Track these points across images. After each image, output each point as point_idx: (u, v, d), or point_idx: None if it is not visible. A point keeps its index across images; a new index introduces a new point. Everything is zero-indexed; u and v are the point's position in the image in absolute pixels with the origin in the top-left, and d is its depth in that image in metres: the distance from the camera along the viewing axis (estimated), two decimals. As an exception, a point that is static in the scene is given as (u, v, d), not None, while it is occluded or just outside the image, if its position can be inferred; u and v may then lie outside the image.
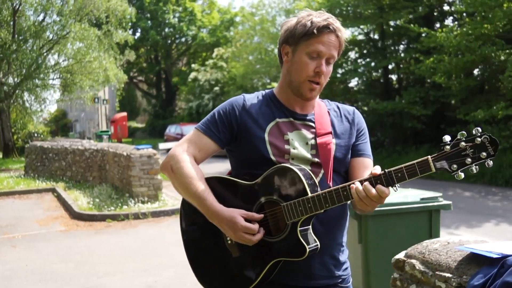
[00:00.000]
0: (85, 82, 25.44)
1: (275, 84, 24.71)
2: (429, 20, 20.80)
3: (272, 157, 2.16)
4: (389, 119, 20.08)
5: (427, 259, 2.77)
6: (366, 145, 2.33)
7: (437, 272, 2.64)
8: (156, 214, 10.90)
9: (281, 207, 2.06)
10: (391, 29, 21.46)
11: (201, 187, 2.14)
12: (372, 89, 22.64)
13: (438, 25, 21.14)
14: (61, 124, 55.32)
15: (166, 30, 48.01)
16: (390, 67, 22.44)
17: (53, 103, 41.31)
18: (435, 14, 21.34)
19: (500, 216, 10.26)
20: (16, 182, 16.05)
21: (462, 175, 1.90)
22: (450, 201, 4.63)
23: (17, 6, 24.36)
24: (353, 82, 24.38)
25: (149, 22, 47.33)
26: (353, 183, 1.96)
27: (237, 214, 2.07)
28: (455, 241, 2.88)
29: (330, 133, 2.23)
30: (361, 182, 1.95)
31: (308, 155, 2.18)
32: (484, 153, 1.83)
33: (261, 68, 30.06)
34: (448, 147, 1.88)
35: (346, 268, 2.32)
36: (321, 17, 2.17)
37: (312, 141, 2.21)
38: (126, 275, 7.00)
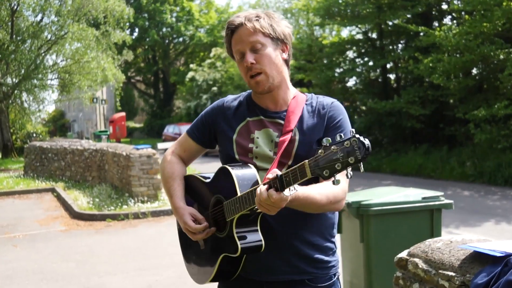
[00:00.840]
0: (83, 82, 25.44)
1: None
2: (428, 18, 20.80)
3: (237, 156, 2.29)
4: (387, 118, 20.08)
5: (430, 257, 2.79)
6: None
7: (440, 271, 2.66)
8: (156, 214, 10.92)
9: (223, 205, 2.16)
10: (389, 28, 21.48)
11: (173, 185, 2.38)
12: (370, 89, 22.64)
13: (436, 23, 21.19)
14: (59, 124, 55.28)
15: (164, 30, 48.00)
16: (388, 66, 22.45)
17: (51, 103, 41.35)
18: (433, 12, 21.35)
19: (499, 215, 10.29)
20: (16, 182, 16.07)
21: (340, 180, 1.73)
22: (450, 200, 4.65)
23: (15, 7, 24.37)
24: (351, 82, 24.39)
25: (147, 22, 47.33)
26: (258, 186, 1.94)
27: (187, 213, 2.27)
28: (458, 240, 2.90)
29: (292, 130, 2.22)
30: (264, 185, 1.91)
31: (270, 153, 2.23)
32: (352, 158, 1.67)
33: (257, 68, 30.07)
34: (321, 151, 1.73)
35: (325, 268, 2.29)
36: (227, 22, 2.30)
37: (277, 139, 2.24)
38: (127, 274, 7.02)
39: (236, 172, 2.13)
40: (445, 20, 21.49)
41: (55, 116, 55.92)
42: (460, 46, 15.38)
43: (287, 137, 2.21)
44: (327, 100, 2.32)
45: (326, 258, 2.29)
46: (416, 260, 2.87)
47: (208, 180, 2.33)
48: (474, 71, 17.98)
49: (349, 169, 1.70)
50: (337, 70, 22.82)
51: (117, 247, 8.55)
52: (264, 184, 1.91)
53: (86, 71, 25.03)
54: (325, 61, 23.22)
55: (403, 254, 3.04)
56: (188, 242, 2.43)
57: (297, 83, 24.97)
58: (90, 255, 8.10)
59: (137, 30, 47.23)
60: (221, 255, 2.18)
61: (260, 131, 2.28)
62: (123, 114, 31.23)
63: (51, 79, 27.32)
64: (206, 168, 21.03)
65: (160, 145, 18.73)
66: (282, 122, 2.27)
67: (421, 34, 18.06)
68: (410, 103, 18.40)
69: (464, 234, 7.75)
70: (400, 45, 22.44)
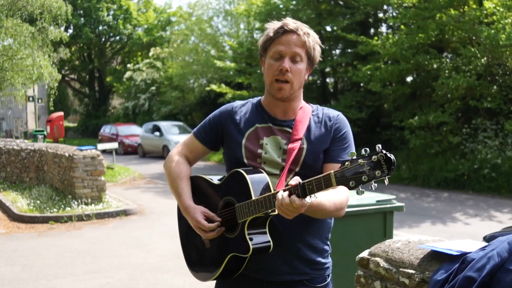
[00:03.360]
0: (17, 80, 24.64)
1: (213, 86, 24.95)
2: (365, 26, 21.45)
3: (245, 160, 2.39)
4: (325, 122, 20.48)
5: (391, 257, 2.96)
6: (340, 150, 2.38)
7: (400, 269, 2.82)
8: (100, 216, 10.82)
9: (234, 208, 2.27)
10: (328, 34, 21.96)
11: (181, 185, 2.45)
12: (309, 93, 23.05)
13: (372, 31, 21.87)
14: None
15: (100, 27, 47.12)
16: (326, 71, 22.94)
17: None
18: (370, 20, 22.02)
19: (434, 216, 10.80)
20: None
21: (364, 191, 1.88)
22: (402, 203, 4.93)
23: None
24: (289, 85, 24.65)
25: (82, 19, 46.31)
26: (278, 192, 2.05)
27: (199, 212, 2.34)
28: (415, 240, 3.09)
29: (301, 139, 2.36)
30: (284, 191, 2.02)
31: (278, 160, 2.35)
32: (379, 171, 1.80)
33: (197, 69, 30.05)
34: (348, 163, 1.87)
35: (322, 269, 2.45)
36: (279, 22, 2.39)
37: (285, 146, 2.36)
38: (77, 277, 6.97)
39: (250, 177, 2.24)
40: (381, 28, 22.22)
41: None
42: (397, 55, 15.96)
43: (296, 145, 2.34)
44: (332, 113, 2.46)
45: (323, 260, 2.46)
46: (377, 259, 3.03)
47: (217, 182, 2.43)
48: (409, 79, 18.71)
49: (373, 182, 1.84)
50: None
51: (64, 250, 8.43)
52: (284, 190, 2.02)
53: (20, 68, 24.25)
54: (265, 65, 23.44)
55: (364, 253, 3.20)
56: (191, 241, 2.52)
57: (237, 86, 25.16)
58: (35, 258, 7.95)
59: (71, 27, 46.12)
60: (229, 254, 2.29)
61: (269, 137, 2.40)
62: (61, 113, 30.43)
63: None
64: (144, 169, 20.87)
65: (100, 146, 18.43)
66: (290, 130, 2.40)
67: (359, 41, 18.62)
68: (348, 107, 18.91)
69: (403, 234, 8.12)
70: (338, 51, 23.00)
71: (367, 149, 1.86)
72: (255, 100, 2.55)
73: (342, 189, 2.11)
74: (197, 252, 2.51)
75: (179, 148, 2.59)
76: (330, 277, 2.52)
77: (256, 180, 2.25)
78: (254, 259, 2.31)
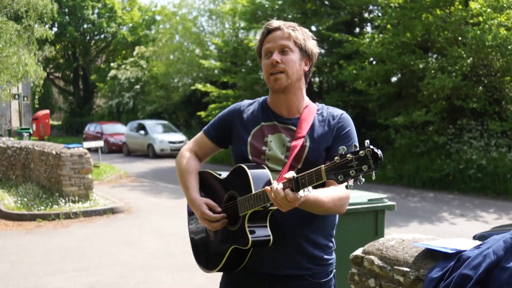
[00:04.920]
0: (2, 78, 24.45)
1: (198, 85, 24.87)
2: (351, 26, 21.54)
3: (250, 157, 2.46)
4: (311, 121, 20.53)
5: (385, 255, 2.98)
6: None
7: (395, 267, 2.84)
8: (88, 214, 10.80)
9: (236, 201, 2.34)
10: (314, 33, 22.00)
11: (189, 179, 2.55)
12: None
13: (357, 30, 21.98)
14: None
15: (85, 26, 46.79)
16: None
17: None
18: (356, 20, 22.12)
19: (420, 216, 10.90)
20: None
21: (351, 185, 1.98)
22: (393, 202, 4.98)
23: None
24: (276, 85, 24.69)
25: (67, 17, 45.98)
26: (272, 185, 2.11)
27: (203, 203, 2.43)
28: (409, 238, 3.13)
29: (304, 136, 2.41)
30: (278, 184, 2.08)
31: (282, 157, 2.41)
32: (366, 166, 1.85)
33: (182, 68, 29.99)
34: (337, 157, 1.93)
35: (324, 265, 2.50)
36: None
37: (289, 144, 2.42)
38: (67, 274, 6.96)
39: (252, 172, 2.32)
40: (366, 28, 22.32)
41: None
42: (383, 55, 16.05)
43: (299, 142, 2.40)
44: (337, 112, 2.53)
45: (326, 256, 2.50)
46: (372, 257, 3.06)
47: (222, 177, 2.52)
48: (394, 78, 18.83)
49: (361, 176, 1.90)
50: (260, 73, 23.12)
51: (52, 247, 8.41)
52: (279, 184, 2.09)
53: (5, 66, 24.06)
54: (250, 64, 23.50)
55: (358, 251, 3.24)
56: (198, 233, 2.61)
57: (222, 85, 25.14)
58: (24, 255, 7.93)
59: (56, 25, 45.77)
60: (231, 247, 2.36)
61: (273, 135, 2.47)
62: (47, 111, 30.14)
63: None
64: (129, 167, 20.82)
65: (85, 144, 18.32)
66: (294, 128, 2.46)
67: (345, 40, 18.69)
68: (333, 106, 18.94)
69: (393, 234, 8.19)
70: (323, 51, 23.06)
71: (357, 144, 1.92)
72: (261, 99, 2.63)
73: (342, 185, 2.16)
74: (202, 245, 2.60)
75: (190, 145, 2.69)
76: (333, 273, 2.56)
77: (257, 175, 2.31)
78: (256, 253, 2.36)
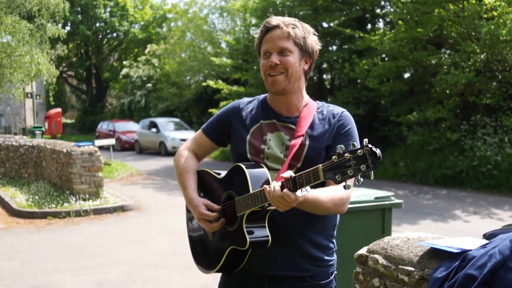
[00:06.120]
0: (16, 77, 24.60)
1: (209, 82, 24.86)
2: (362, 22, 21.40)
3: (249, 156, 2.41)
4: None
5: (390, 254, 2.94)
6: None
7: (400, 266, 2.81)
8: (98, 212, 10.82)
9: (234, 201, 2.29)
10: (324, 29, 21.91)
11: (187, 178, 2.50)
12: (306, 89, 23.02)
13: (369, 26, 21.84)
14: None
15: (97, 24, 47.00)
16: (323, 67, 22.91)
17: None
18: (367, 16, 21.99)
19: (434, 214, 10.78)
20: None
21: (349, 185, 1.91)
22: (401, 200, 4.91)
23: None
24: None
25: (79, 16, 46.21)
26: (270, 185, 2.07)
27: (201, 203, 2.37)
28: (414, 237, 3.07)
29: (303, 135, 2.36)
30: (276, 183, 2.05)
31: (281, 155, 2.36)
32: (364, 165, 1.82)
33: (194, 66, 30.00)
34: (335, 157, 1.88)
35: (324, 266, 2.43)
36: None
37: (288, 142, 2.37)
38: (75, 272, 6.96)
39: (250, 171, 2.26)
40: (378, 24, 22.19)
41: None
42: (395, 52, 15.92)
43: (298, 141, 2.34)
44: (337, 110, 2.47)
45: (326, 257, 2.43)
46: (376, 256, 3.02)
47: (220, 176, 2.47)
48: (406, 75, 18.67)
49: (360, 176, 1.85)
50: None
51: (62, 245, 8.43)
52: (277, 183, 2.03)
53: (18, 65, 24.20)
54: (261, 61, 23.41)
55: (363, 250, 3.19)
56: (196, 233, 2.57)
57: (233, 82, 25.12)
58: (34, 253, 7.94)
59: (69, 24, 46.02)
60: (229, 247, 2.31)
61: (272, 133, 2.42)
62: (59, 110, 30.39)
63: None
64: (141, 165, 20.86)
65: (97, 142, 18.38)
66: (293, 126, 2.41)
67: (356, 36, 18.56)
68: (345, 103, 18.83)
69: (406, 232, 8.12)
70: (335, 47, 22.95)
71: (355, 143, 1.87)
72: (261, 97, 2.58)
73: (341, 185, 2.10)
74: (201, 245, 2.55)
75: (188, 144, 2.65)
76: (334, 275, 2.50)
77: (255, 175, 2.27)
78: (255, 254, 2.31)
